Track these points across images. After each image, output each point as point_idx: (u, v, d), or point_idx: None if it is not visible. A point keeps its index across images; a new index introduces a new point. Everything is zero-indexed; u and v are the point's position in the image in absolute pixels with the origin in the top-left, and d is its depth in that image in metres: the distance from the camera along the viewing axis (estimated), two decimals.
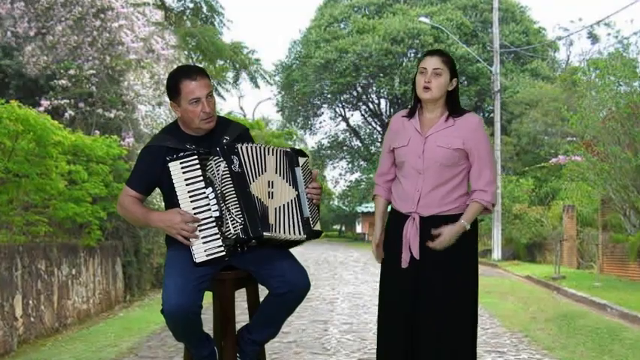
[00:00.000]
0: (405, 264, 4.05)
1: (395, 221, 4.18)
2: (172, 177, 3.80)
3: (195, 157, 3.83)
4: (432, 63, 4.08)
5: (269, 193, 3.91)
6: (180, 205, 3.82)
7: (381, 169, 4.33)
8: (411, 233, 4.05)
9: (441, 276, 4.01)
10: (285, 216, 3.93)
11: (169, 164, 3.81)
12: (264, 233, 3.81)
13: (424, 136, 4.10)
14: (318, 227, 4.04)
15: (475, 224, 4.14)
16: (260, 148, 3.93)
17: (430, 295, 4.01)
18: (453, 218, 4.04)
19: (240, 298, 4.12)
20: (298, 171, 4.01)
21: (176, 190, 3.81)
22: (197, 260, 3.77)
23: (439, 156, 4.04)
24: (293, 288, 3.90)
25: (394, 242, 4.13)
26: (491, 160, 4.14)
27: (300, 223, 3.96)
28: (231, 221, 3.79)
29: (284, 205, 3.94)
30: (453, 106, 4.15)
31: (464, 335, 4.07)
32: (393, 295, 4.13)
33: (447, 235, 3.99)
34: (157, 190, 4.19)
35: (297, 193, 3.98)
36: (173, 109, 4.04)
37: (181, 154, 3.84)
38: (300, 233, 3.95)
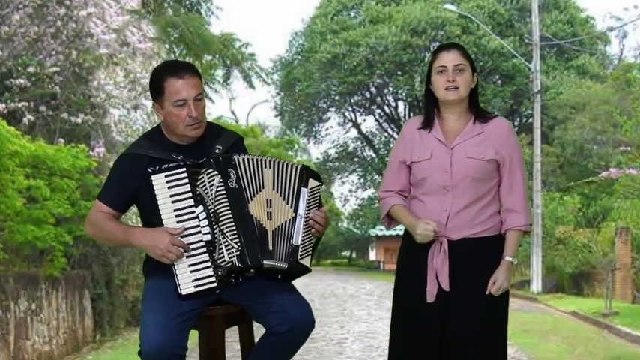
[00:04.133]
0: (431, 298, 4.03)
1: (414, 247, 4.13)
2: (155, 192, 3.81)
3: (184, 169, 3.84)
4: (452, 59, 4.09)
5: (267, 213, 3.92)
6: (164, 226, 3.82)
7: (392, 185, 4.25)
8: (438, 261, 4.02)
9: (474, 308, 4.02)
10: (278, 239, 3.91)
11: (152, 177, 3.81)
12: (264, 261, 3.82)
13: (450, 146, 4.09)
14: (306, 262, 3.97)
15: (500, 243, 4.12)
16: (257, 160, 3.94)
17: (462, 331, 4.01)
18: (485, 241, 4.07)
19: (232, 337, 4.13)
20: (304, 192, 3.98)
21: (159, 208, 3.81)
22: (183, 292, 3.78)
23: (471, 169, 4.05)
24: (294, 325, 3.89)
25: (414, 272, 4.11)
26: (523, 170, 4.17)
27: (285, 248, 3.92)
28: (225, 246, 3.80)
29: (278, 226, 3.93)
30: (477, 106, 4.18)
31: None
32: (417, 335, 4.09)
33: (502, 280, 4.02)
34: (133, 209, 4.19)
35: (294, 215, 3.95)
36: (156, 110, 4.05)
37: (166, 165, 3.84)
38: (281, 260, 3.90)
